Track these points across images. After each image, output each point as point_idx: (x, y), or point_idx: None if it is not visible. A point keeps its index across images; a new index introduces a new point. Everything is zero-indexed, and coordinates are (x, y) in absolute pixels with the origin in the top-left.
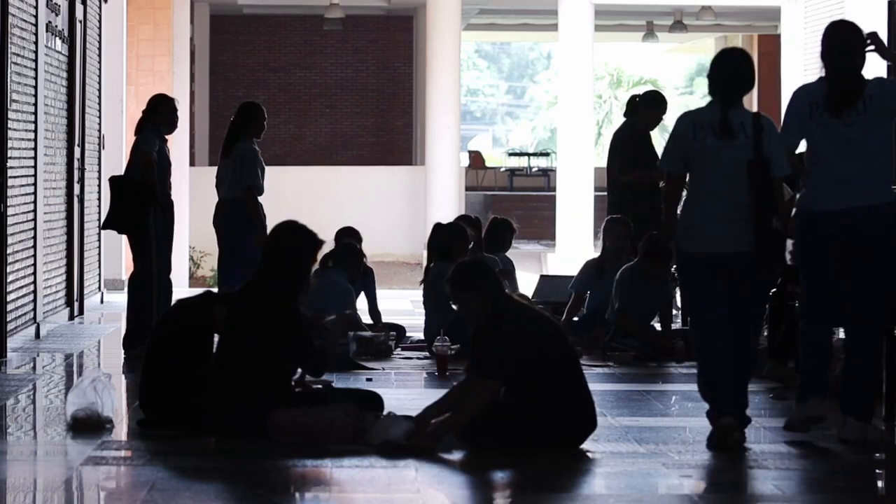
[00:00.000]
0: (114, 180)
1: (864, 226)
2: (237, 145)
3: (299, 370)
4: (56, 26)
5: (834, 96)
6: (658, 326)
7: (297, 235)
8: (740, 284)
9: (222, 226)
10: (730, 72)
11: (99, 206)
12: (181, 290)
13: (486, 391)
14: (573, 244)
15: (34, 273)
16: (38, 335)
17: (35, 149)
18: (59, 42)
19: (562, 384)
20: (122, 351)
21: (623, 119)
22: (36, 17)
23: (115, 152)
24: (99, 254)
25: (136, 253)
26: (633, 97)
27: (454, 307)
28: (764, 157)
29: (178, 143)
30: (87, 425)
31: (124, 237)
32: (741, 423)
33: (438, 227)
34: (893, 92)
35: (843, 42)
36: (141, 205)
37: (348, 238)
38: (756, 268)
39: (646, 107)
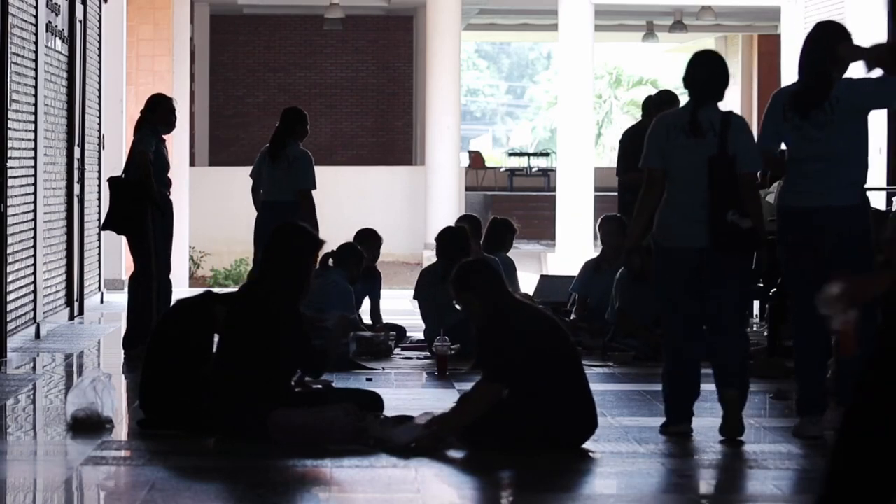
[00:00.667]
0: (112, 181)
1: (832, 226)
2: (287, 149)
3: (299, 371)
4: (56, 26)
5: (800, 98)
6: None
7: (297, 236)
8: (711, 279)
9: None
10: (701, 73)
11: (99, 206)
12: (181, 290)
13: (489, 394)
14: (573, 244)
15: (34, 273)
16: (38, 335)
17: (35, 149)
18: (59, 42)
19: (563, 384)
20: (122, 351)
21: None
22: (36, 17)
23: (115, 152)
24: (99, 254)
25: (134, 253)
26: (648, 97)
27: (458, 307)
28: (729, 154)
29: (178, 143)
30: (87, 425)
31: (124, 237)
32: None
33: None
34: (861, 91)
35: (829, 45)
36: (139, 205)
37: (363, 241)
38: (726, 263)
39: (656, 106)
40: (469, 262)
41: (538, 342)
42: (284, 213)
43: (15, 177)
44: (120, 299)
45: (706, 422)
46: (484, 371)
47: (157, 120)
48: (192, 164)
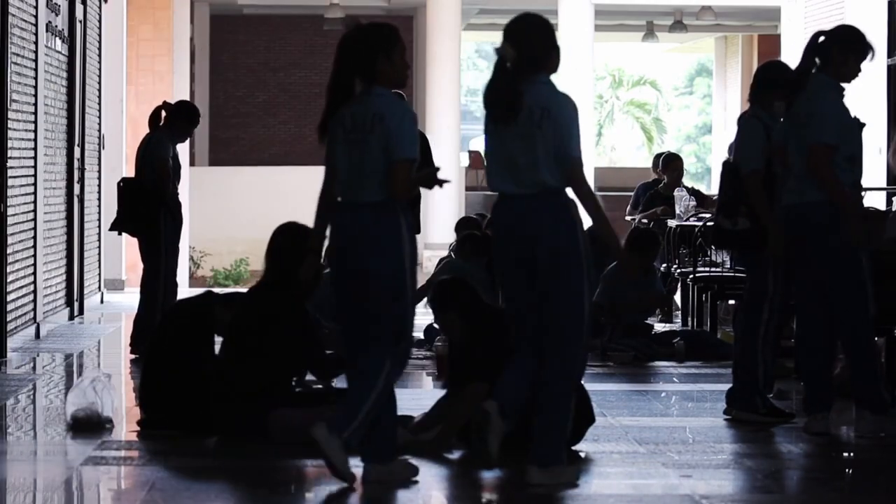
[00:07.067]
0: (126, 183)
1: (804, 221)
2: None
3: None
4: (56, 26)
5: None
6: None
7: (289, 235)
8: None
9: None
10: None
11: (99, 207)
12: (181, 290)
13: (475, 394)
14: None
15: (34, 273)
16: (38, 335)
17: (35, 149)
18: (59, 42)
19: None
20: (130, 352)
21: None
22: (36, 17)
23: (115, 152)
24: (99, 254)
25: (145, 255)
26: None
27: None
28: (733, 161)
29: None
30: (87, 425)
31: (126, 237)
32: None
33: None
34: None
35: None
36: (152, 208)
37: None
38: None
39: None
40: (446, 281)
41: None
42: None
43: (15, 177)
44: (120, 299)
45: (706, 422)
46: (467, 376)
47: (180, 129)
48: (192, 164)
